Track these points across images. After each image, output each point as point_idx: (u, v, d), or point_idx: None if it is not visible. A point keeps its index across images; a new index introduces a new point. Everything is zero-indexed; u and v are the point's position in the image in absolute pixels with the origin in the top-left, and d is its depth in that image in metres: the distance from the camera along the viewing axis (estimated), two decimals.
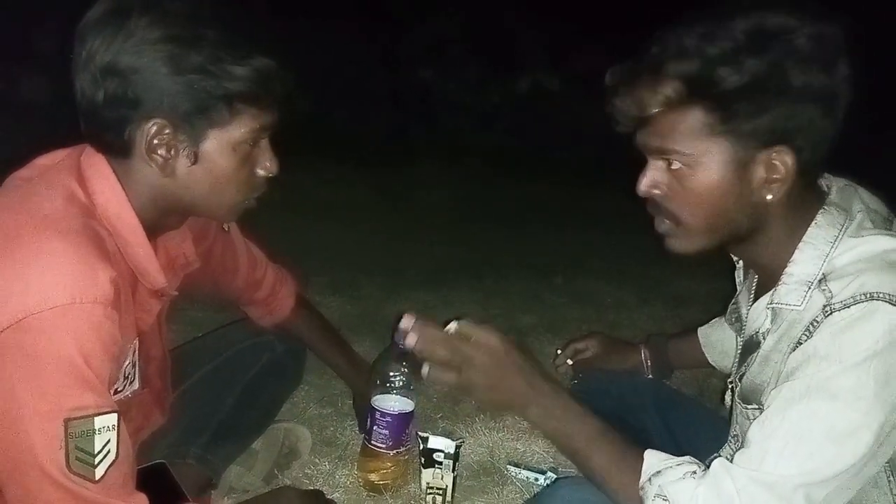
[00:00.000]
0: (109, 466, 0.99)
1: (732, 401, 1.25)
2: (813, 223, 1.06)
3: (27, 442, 0.95)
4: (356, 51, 5.73)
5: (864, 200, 1.10)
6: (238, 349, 1.53)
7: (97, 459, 0.97)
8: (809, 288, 1.03)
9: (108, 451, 0.98)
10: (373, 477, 1.56)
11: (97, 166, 1.07)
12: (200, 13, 1.03)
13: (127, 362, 1.15)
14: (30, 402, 0.94)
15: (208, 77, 1.01)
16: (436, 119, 5.82)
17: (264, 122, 1.09)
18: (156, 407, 1.33)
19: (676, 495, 0.98)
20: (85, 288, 0.95)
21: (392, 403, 1.53)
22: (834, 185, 1.10)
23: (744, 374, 1.17)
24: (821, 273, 1.03)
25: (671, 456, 1.03)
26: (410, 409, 1.55)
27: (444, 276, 3.04)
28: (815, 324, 1.00)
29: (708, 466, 1.02)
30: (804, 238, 1.05)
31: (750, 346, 1.16)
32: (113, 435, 0.98)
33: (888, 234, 1.03)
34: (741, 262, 1.28)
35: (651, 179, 1.08)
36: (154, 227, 1.12)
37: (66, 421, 0.95)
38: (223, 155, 1.07)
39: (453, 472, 1.52)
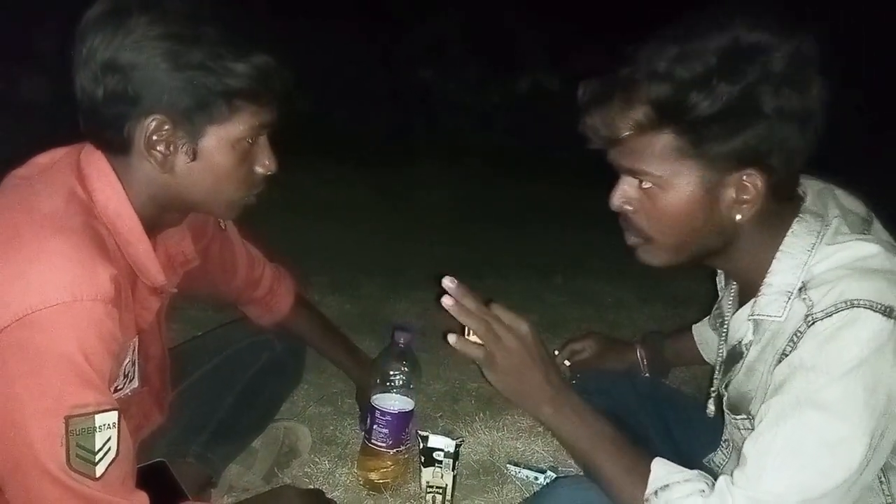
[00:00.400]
0: (110, 464, 0.99)
1: (721, 409, 1.26)
2: (789, 232, 1.06)
3: (28, 439, 0.95)
4: (356, 51, 5.73)
5: (840, 203, 1.10)
6: (237, 348, 1.54)
7: (98, 457, 0.97)
8: (790, 298, 1.03)
9: (109, 449, 0.99)
10: (373, 476, 1.56)
11: (96, 164, 1.07)
12: (200, 12, 1.03)
13: (127, 360, 1.16)
14: (30, 400, 0.95)
15: (208, 73, 1.02)
16: (436, 119, 5.82)
17: (263, 119, 1.09)
18: (155, 405, 1.34)
19: None
20: (85, 286, 0.95)
21: (392, 402, 1.53)
22: (810, 190, 1.10)
23: (729, 383, 1.18)
24: (800, 282, 1.03)
25: (680, 468, 1.03)
26: (410, 408, 1.55)
27: (444, 275, 3.03)
28: (798, 334, 1.00)
29: (714, 478, 1.02)
30: (781, 248, 1.05)
31: (734, 356, 1.17)
32: (113, 432, 0.99)
33: (864, 240, 1.03)
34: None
35: (622, 195, 1.08)
36: (153, 225, 1.12)
37: (67, 418, 0.95)
38: (222, 151, 1.07)
39: (453, 470, 1.52)
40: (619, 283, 3.03)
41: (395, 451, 1.55)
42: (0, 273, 0.96)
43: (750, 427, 1.14)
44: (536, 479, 1.63)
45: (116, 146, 1.06)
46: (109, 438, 0.98)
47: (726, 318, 1.24)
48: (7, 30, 3.80)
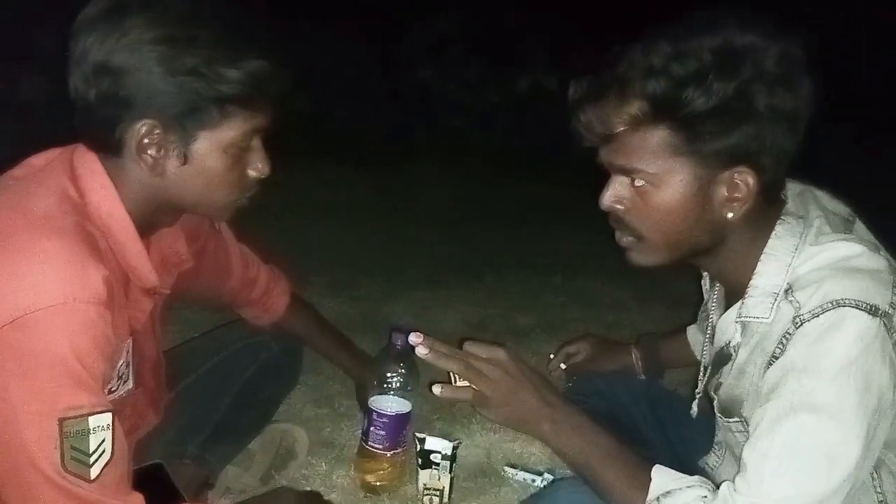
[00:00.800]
0: (105, 466, 0.99)
1: (705, 409, 1.26)
2: (773, 234, 1.06)
3: (22, 442, 0.95)
4: (356, 51, 5.72)
5: (821, 205, 1.10)
6: (234, 349, 1.54)
7: (92, 459, 0.97)
8: (776, 299, 1.04)
9: (104, 451, 0.98)
10: (370, 478, 1.56)
11: (89, 165, 1.07)
12: (195, 13, 1.03)
13: (121, 362, 1.16)
14: (24, 402, 0.95)
15: (200, 79, 1.01)
16: (435, 119, 5.81)
17: (257, 124, 1.08)
18: (150, 406, 1.33)
19: None
20: (77, 287, 0.95)
21: (389, 404, 1.53)
22: (790, 193, 1.11)
23: (719, 386, 1.18)
24: (785, 283, 1.04)
25: (681, 475, 1.04)
26: (407, 410, 1.55)
27: (443, 276, 3.04)
28: (787, 336, 1.00)
29: (713, 482, 1.03)
30: (765, 250, 1.06)
31: (722, 358, 1.17)
32: (108, 434, 0.99)
33: (846, 240, 1.03)
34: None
35: (614, 194, 1.08)
36: (146, 226, 1.12)
37: (61, 420, 0.95)
38: (213, 156, 1.07)
39: (450, 473, 1.52)
40: (617, 283, 3.02)
41: (392, 453, 1.54)
42: None
43: (742, 430, 1.14)
44: (534, 481, 1.63)
45: (108, 147, 1.06)
46: (104, 440, 0.98)
47: (712, 321, 1.24)
48: (7, 30, 3.80)
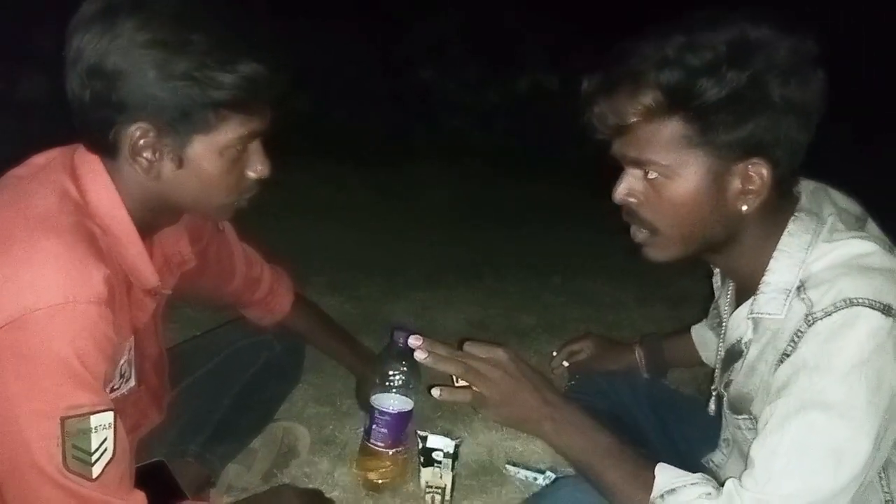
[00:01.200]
0: (107, 464, 0.99)
1: (719, 407, 1.26)
2: (786, 231, 1.06)
3: (23, 441, 0.95)
4: (356, 51, 5.72)
5: (835, 202, 1.10)
6: (236, 348, 1.54)
7: (94, 457, 0.97)
8: (788, 296, 1.03)
9: (105, 449, 0.98)
10: (372, 476, 1.56)
11: (91, 165, 1.07)
12: (190, 15, 1.01)
13: (123, 360, 1.16)
14: (25, 402, 0.95)
15: (193, 84, 1.00)
16: (435, 119, 5.81)
17: (253, 127, 1.07)
18: (153, 405, 1.33)
19: None
20: (78, 287, 0.95)
21: (391, 402, 1.53)
22: (804, 190, 1.10)
23: (729, 382, 1.17)
24: (798, 280, 1.03)
25: (684, 472, 1.03)
26: (409, 408, 1.55)
27: (443, 276, 3.04)
28: (799, 334, 1.00)
29: (714, 479, 1.03)
30: (778, 246, 1.06)
31: (733, 355, 1.17)
32: (109, 433, 0.99)
33: (860, 237, 1.03)
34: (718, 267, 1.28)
35: (627, 188, 1.08)
36: (147, 226, 1.12)
37: (62, 419, 0.95)
38: (209, 159, 1.06)
39: (452, 471, 1.52)
40: (617, 283, 3.02)
41: (394, 451, 1.54)
42: None
43: (751, 427, 1.14)
44: (535, 479, 1.63)
45: (104, 149, 1.05)
46: (105, 439, 0.98)
47: (724, 318, 1.24)
48: (7, 29, 3.79)
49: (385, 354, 1.57)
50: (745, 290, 1.13)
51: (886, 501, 1.10)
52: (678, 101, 0.99)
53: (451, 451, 1.51)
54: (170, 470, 1.30)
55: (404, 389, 1.54)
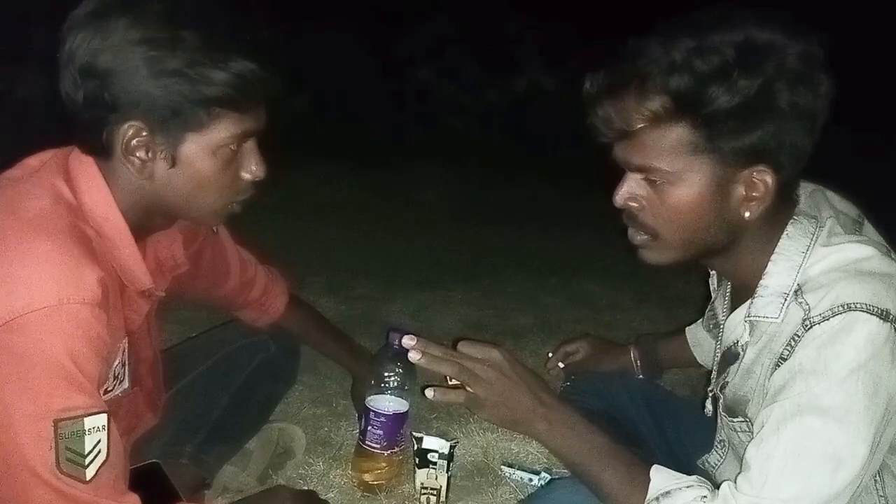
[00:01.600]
0: (100, 466, 0.99)
1: (715, 409, 1.25)
2: (784, 234, 1.05)
3: (17, 443, 0.95)
4: (355, 51, 5.72)
5: (832, 205, 1.10)
6: (232, 349, 1.53)
7: (88, 460, 0.97)
8: (786, 300, 1.03)
9: (99, 452, 0.98)
10: (367, 477, 1.56)
11: (84, 166, 1.06)
12: (182, 13, 1.01)
13: (117, 362, 1.15)
14: (18, 404, 0.94)
15: (185, 81, 0.99)
16: (433, 119, 5.82)
17: (247, 126, 1.06)
18: (147, 407, 1.33)
19: None
20: (72, 289, 0.95)
21: (386, 403, 1.53)
22: (802, 192, 1.10)
23: (725, 385, 1.17)
24: (795, 284, 1.03)
25: (679, 475, 1.03)
26: (405, 410, 1.55)
27: (440, 276, 3.04)
28: (796, 338, 1.00)
29: (713, 482, 1.02)
30: (777, 250, 1.05)
31: (729, 357, 1.16)
32: (103, 435, 0.98)
33: (858, 242, 1.02)
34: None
35: (628, 192, 1.06)
36: (141, 229, 1.11)
37: (56, 422, 0.95)
38: (202, 159, 1.05)
39: (447, 472, 1.52)
40: (614, 284, 3.03)
41: (389, 452, 1.54)
42: None
43: (747, 429, 1.14)
44: (531, 480, 1.63)
45: (98, 150, 1.05)
46: (99, 441, 0.98)
47: (720, 320, 1.24)
48: (6, 29, 3.79)
49: (380, 356, 1.57)
50: (743, 292, 1.12)
51: None
52: (687, 108, 0.98)
53: (447, 453, 1.51)
54: (165, 472, 1.30)
55: (399, 391, 1.54)
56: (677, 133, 1.00)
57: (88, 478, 0.98)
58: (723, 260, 1.11)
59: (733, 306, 1.17)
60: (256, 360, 1.54)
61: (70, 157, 1.08)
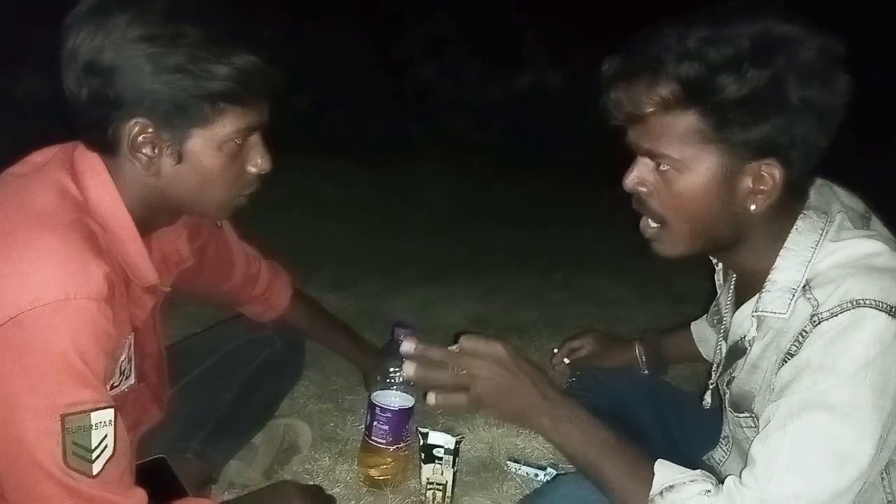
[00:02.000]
0: (107, 461, 0.99)
1: (719, 403, 1.25)
2: (794, 229, 1.05)
3: (23, 438, 0.95)
4: (356, 49, 5.72)
5: (841, 200, 1.09)
6: (237, 344, 1.53)
7: (94, 454, 0.97)
8: (793, 295, 1.03)
9: (106, 447, 0.98)
10: (373, 472, 1.56)
11: (90, 162, 1.06)
12: (183, 9, 1.01)
13: (122, 358, 1.15)
14: (25, 399, 0.95)
15: (188, 76, 0.99)
16: (435, 117, 5.81)
17: (251, 120, 1.07)
18: (153, 402, 1.33)
19: None
20: (78, 284, 0.95)
21: (392, 399, 1.53)
22: (811, 187, 1.09)
23: (731, 380, 1.17)
24: (804, 279, 1.02)
25: (683, 469, 1.03)
26: (411, 405, 1.55)
27: (443, 272, 3.04)
28: (803, 334, 0.99)
29: (718, 477, 1.02)
30: (786, 244, 1.05)
31: (735, 352, 1.16)
32: (110, 430, 0.98)
33: (867, 237, 1.02)
34: (720, 264, 1.28)
35: (637, 176, 1.07)
36: (146, 224, 1.11)
37: (63, 416, 0.95)
38: (208, 154, 1.05)
39: (453, 467, 1.52)
40: (619, 279, 3.02)
41: (395, 447, 1.54)
42: None
43: (752, 425, 1.13)
44: (536, 475, 1.62)
45: (103, 147, 1.05)
46: (106, 436, 0.98)
47: (725, 315, 1.24)
48: (7, 27, 3.79)
49: (386, 351, 1.57)
50: (750, 287, 1.12)
51: (888, 501, 1.09)
52: (695, 95, 0.98)
53: (452, 448, 1.51)
54: (171, 467, 1.30)
55: (405, 386, 1.54)
56: (686, 121, 1.00)
57: (95, 472, 0.98)
58: (732, 254, 1.11)
59: (738, 302, 1.17)
60: (262, 356, 1.54)
61: (75, 152, 1.08)
